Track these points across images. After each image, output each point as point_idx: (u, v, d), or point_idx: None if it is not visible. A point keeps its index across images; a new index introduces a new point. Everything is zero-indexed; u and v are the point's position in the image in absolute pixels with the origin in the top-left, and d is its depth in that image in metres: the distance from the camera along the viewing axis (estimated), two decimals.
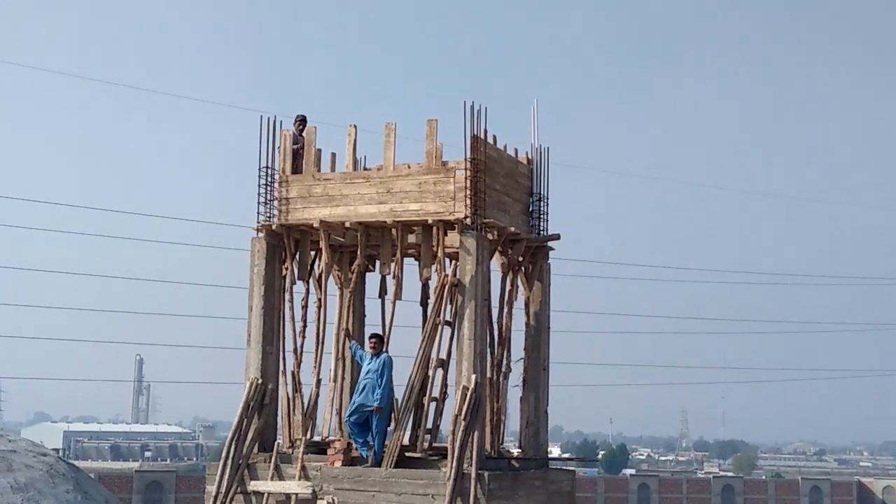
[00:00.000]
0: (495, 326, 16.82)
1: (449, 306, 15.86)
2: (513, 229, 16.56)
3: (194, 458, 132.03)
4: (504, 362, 17.06)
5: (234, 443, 16.15)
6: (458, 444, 14.99)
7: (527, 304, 17.68)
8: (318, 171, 16.92)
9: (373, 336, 16.40)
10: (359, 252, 16.63)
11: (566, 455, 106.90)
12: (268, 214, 16.85)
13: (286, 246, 16.85)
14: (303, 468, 15.83)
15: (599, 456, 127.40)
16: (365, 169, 17.45)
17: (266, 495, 15.93)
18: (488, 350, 16.32)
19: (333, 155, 17.49)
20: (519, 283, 17.44)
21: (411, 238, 17.03)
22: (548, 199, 17.67)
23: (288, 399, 16.74)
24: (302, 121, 17.29)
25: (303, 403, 16.63)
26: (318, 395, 16.66)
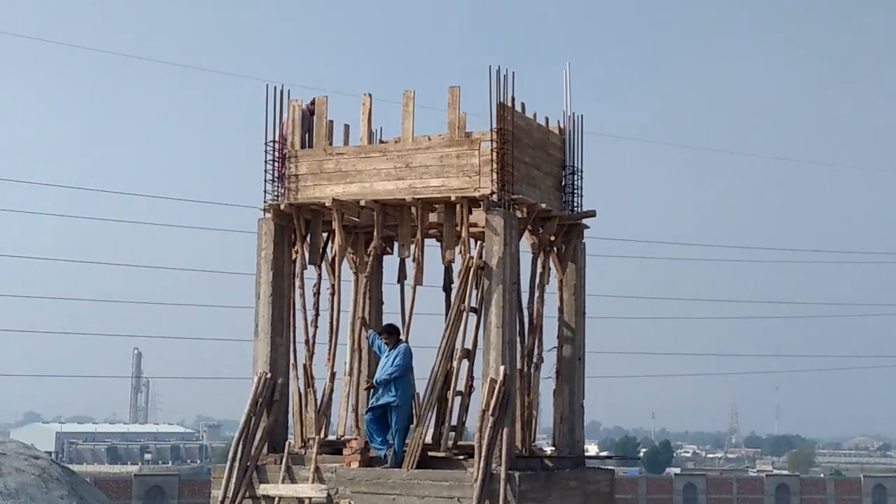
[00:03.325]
0: (525, 313, 16.81)
1: (474, 291, 15.86)
2: (544, 206, 16.54)
3: (198, 461, 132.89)
4: (535, 352, 17.06)
5: (241, 443, 16.22)
6: (485, 442, 15.02)
7: (560, 288, 17.66)
8: (330, 144, 16.94)
9: (385, 329, 16.42)
10: (375, 233, 16.65)
11: (604, 453, 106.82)
12: (275, 193, 16.89)
13: (296, 227, 16.88)
14: (316, 470, 15.90)
15: (641, 454, 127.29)
16: (381, 142, 17.45)
17: (277, 499, 16.01)
18: (518, 339, 16.33)
19: (347, 127, 17.50)
20: (551, 264, 17.42)
21: (433, 217, 17.03)
22: (582, 172, 17.63)
23: (300, 395, 16.80)
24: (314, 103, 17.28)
25: (316, 399, 16.68)
26: (332, 391, 16.70)
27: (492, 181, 15.66)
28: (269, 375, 16.58)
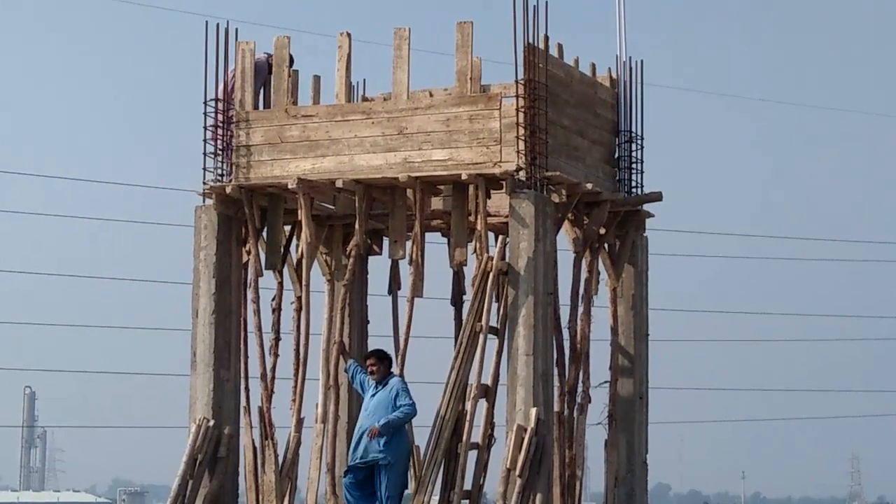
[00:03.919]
0: (565, 334, 16.84)
1: (495, 305, 15.89)
2: (590, 186, 16.56)
3: None
4: (580, 389, 17.09)
5: None
6: None
7: (613, 300, 17.71)
8: (295, 104, 16.97)
9: (370, 355, 16.45)
10: (357, 225, 16.67)
11: None
12: (220, 172, 16.93)
13: (248, 218, 16.92)
14: None
15: None
16: (364, 99, 17.47)
17: None
18: (555, 371, 16.36)
19: (317, 79, 17.54)
20: (601, 267, 17.45)
21: (437, 203, 17.07)
22: (642, 140, 17.65)
23: (254, 449, 16.84)
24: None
25: (276, 456, 16.72)
26: (298, 443, 16.75)
27: (518, 153, 15.69)
28: (211, 423, 16.62)
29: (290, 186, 16.51)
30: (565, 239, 17.04)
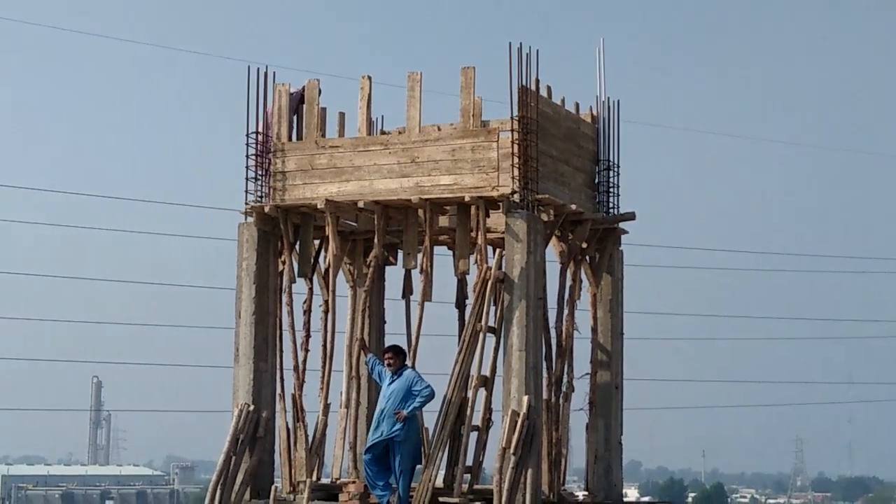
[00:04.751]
0: (553, 333, 16.82)
1: (493, 308, 15.87)
2: (574, 207, 16.54)
3: None
4: (565, 379, 17.06)
5: (219, 487, 16.23)
6: (506, 486, 15.02)
7: (593, 304, 17.67)
8: (323, 136, 16.97)
9: (388, 349, 16.44)
10: (376, 240, 16.66)
11: (646, 498, 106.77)
12: (259, 194, 16.92)
13: (283, 233, 16.91)
14: None
15: (689, 499, 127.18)
16: (383, 133, 17.47)
17: None
18: (544, 364, 16.33)
19: (342, 115, 17.55)
20: (583, 276, 17.43)
21: (443, 221, 17.06)
22: (619, 167, 17.64)
23: (288, 430, 16.82)
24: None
25: (307, 436, 16.70)
26: (325, 425, 16.72)
27: (513, 178, 15.67)
28: (251, 408, 16.59)
29: (319, 207, 16.52)
30: (553, 252, 17.03)
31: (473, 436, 15.89)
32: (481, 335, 15.87)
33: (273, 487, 16.49)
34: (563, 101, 16.92)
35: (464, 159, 16.01)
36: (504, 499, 14.96)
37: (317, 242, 17.35)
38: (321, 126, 17.06)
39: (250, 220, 16.98)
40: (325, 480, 17.00)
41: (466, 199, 15.97)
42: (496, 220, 16.42)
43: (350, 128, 17.36)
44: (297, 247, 17.08)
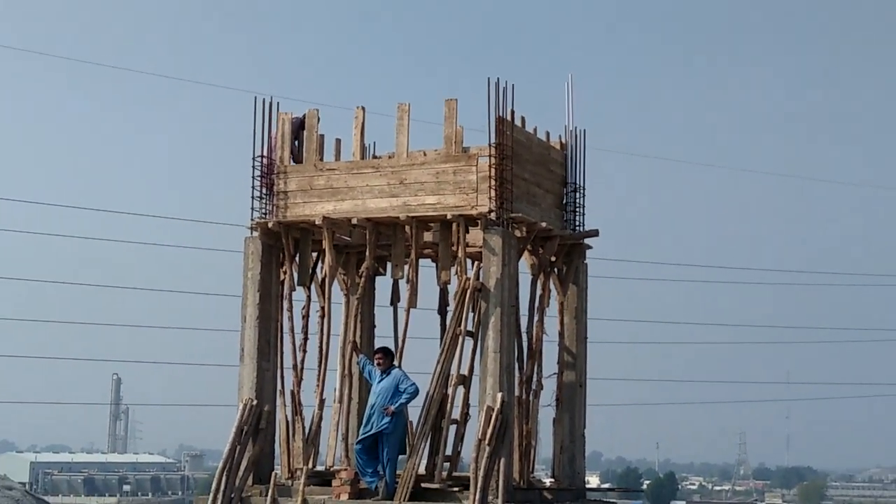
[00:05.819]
0: (524, 337, 16.79)
1: (471, 314, 15.84)
2: (544, 224, 16.53)
3: (180, 492, 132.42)
4: (534, 378, 17.03)
5: (225, 474, 16.15)
6: (481, 474, 14.97)
7: (560, 311, 17.64)
8: (321, 160, 16.93)
9: (378, 351, 16.40)
10: (367, 253, 16.62)
11: (606, 485, 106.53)
12: (263, 211, 16.87)
13: (284, 247, 16.86)
14: (304, 501, 15.83)
15: (644, 486, 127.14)
16: (374, 157, 17.44)
17: None
18: (516, 364, 16.30)
19: (338, 141, 17.50)
20: (551, 286, 17.40)
21: (428, 236, 17.00)
22: (584, 189, 17.63)
23: (287, 423, 16.74)
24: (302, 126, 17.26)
25: (304, 428, 16.63)
26: (321, 418, 16.66)
27: (490, 199, 15.65)
28: (255, 402, 16.52)
29: (317, 223, 16.47)
30: (525, 264, 16.99)
31: (453, 428, 15.84)
32: (461, 338, 15.84)
33: (273, 474, 16.42)
34: (535, 130, 16.91)
35: (446, 181, 15.99)
36: (479, 485, 14.92)
37: (314, 255, 17.29)
38: (319, 151, 17.02)
39: (255, 234, 16.93)
40: (319, 468, 16.92)
41: (449, 217, 15.95)
42: (475, 235, 16.39)
43: (345, 152, 17.33)
44: (297, 259, 17.02)
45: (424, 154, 16.39)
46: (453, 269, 16.17)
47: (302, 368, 16.80)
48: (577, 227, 17.47)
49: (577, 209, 17.53)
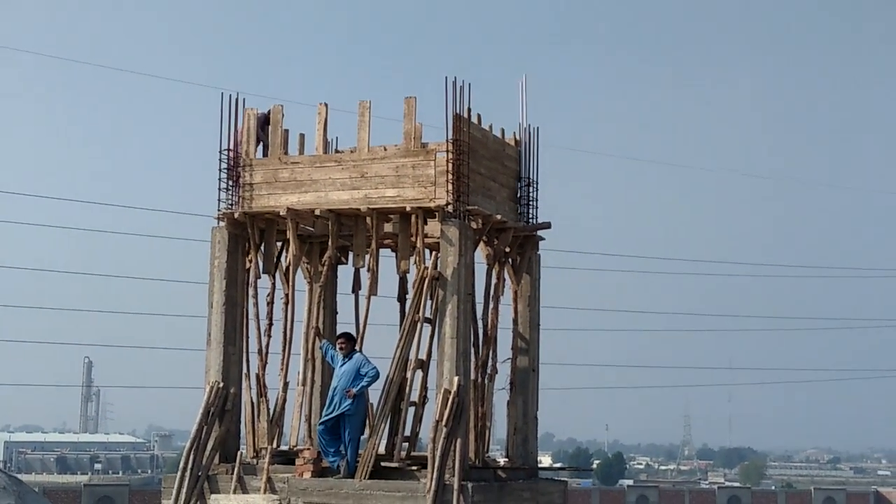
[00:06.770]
0: (480, 324, 16.84)
1: (429, 302, 15.87)
2: (499, 217, 16.59)
3: (149, 471, 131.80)
4: (489, 363, 17.09)
5: (192, 453, 16.13)
6: (439, 453, 15.03)
7: (514, 299, 17.71)
8: (286, 154, 16.91)
9: (341, 336, 16.43)
10: (330, 243, 16.63)
11: (557, 464, 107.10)
12: (230, 202, 16.83)
13: (250, 236, 16.83)
14: (268, 480, 15.83)
15: (594, 465, 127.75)
16: (337, 151, 17.43)
17: None
18: (472, 349, 16.35)
19: (302, 136, 17.48)
20: (506, 275, 17.47)
21: (388, 227, 17.04)
22: (537, 184, 17.71)
23: (252, 404, 16.73)
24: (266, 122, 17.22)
25: (268, 409, 16.62)
26: (285, 400, 16.65)
27: (447, 192, 15.69)
28: (221, 385, 16.51)
29: (281, 214, 16.46)
30: (480, 254, 17.05)
31: (411, 410, 15.88)
32: (419, 325, 15.87)
33: (239, 453, 16.40)
34: (490, 127, 16.95)
35: (406, 175, 16.01)
36: (437, 464, 14.98)
37: (279, 244, 17.27)
38: (284, 145, 16.99)
39: (222, 224, 16.88)
40: (283, 447, 16.93)
41: (408, 209, 15.98)
42: (433, 227, 16.42)
43: (309, 147, 17.31)
44: (262, 248, 16.99)
45: (385, 149, 16.40)
46: (412, 259, 16.20)
47: (267, 353, 16.77)
48: (531, 220, 17.54)
49: (531, 202, 17.60)
